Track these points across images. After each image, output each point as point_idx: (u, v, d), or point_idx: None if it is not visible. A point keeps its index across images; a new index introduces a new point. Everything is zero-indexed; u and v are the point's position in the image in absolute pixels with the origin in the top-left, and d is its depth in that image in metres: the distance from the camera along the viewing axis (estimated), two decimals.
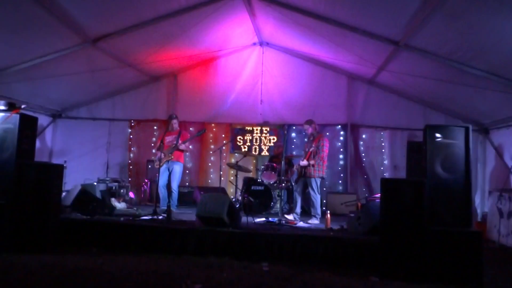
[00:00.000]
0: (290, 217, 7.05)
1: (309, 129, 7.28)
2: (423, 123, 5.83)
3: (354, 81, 9.47)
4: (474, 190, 8.00)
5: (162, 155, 7.23)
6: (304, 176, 7.06)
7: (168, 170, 7.46)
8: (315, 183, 6.96)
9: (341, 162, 9.41)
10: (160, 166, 7.19)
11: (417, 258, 4.67)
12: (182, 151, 7.63)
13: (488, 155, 8.45)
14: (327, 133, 9.22)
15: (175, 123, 7.68)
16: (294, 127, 9.65)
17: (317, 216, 6.97)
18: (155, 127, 10.01)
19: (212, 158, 9.75)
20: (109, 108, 10.11)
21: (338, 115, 9.49)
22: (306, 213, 7.38)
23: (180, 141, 7.43)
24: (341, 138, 9.47)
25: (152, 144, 9.75)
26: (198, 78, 10.05)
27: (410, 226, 4.73)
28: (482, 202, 8.25)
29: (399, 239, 4.74)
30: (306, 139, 7.60)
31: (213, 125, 9.92)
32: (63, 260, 4.99)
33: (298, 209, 7.13)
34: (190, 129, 9.70)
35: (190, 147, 8.71)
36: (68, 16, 6.13)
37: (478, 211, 8.23)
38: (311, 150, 6.94)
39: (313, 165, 6.89)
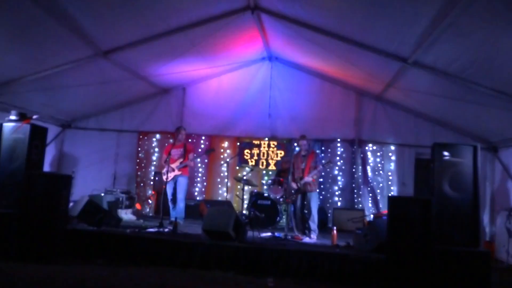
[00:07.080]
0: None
1: (305, 144, 7.27)
2: (431, 140, 5.81)
3: (363, 97, 9.48)
4: (483, 209, 7.90)
5: (170, 168, 7.27)
6: (303, 192, 7.00)
7: (174, 183, 7.47)
8: (316, 197, 7.03)
9: (348, 178, 9.38)
10: (168, 179, 7.22)
11: (424, 277, 4.63)
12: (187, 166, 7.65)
13: (496, 173, 8.37)
14: (334, 149, 9.25)
15: (181, 135, 7.71)
16: None
17: (315, 231, 6.91)
18: (163, 140, 10.05)
19: (219, 172, 9.74)
20: (117, 119, 10.19)
21: (346, 131, 9.47)
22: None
23: (187, 158, 7.45)
24: (349, 153, 9.45)
25: (159, 156, 9.77)
26: (206, 91, 10.12)
27: (417, 245, 4.69)
28: (490, 222, 8.15)
29: (406, 257, 4.71)
30: (295, 153, 7.49)
31: (220, 138, 9.95)
32: (68, 270, 5.01)
33: (300, 226, 7.08)
34: (194, 141, 9.74)
35: (197, 160, 8.67)
36: (80, 28, 6.21)
37: (487, 230, 8.12)
38: (311, 165, 6.96)
39: (313, 181, 6.92)
